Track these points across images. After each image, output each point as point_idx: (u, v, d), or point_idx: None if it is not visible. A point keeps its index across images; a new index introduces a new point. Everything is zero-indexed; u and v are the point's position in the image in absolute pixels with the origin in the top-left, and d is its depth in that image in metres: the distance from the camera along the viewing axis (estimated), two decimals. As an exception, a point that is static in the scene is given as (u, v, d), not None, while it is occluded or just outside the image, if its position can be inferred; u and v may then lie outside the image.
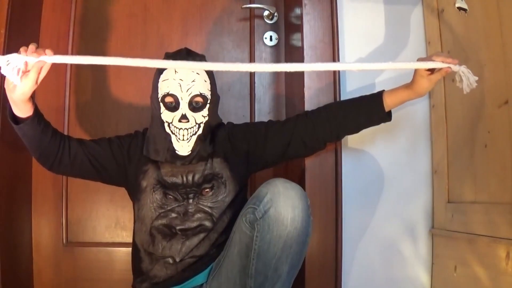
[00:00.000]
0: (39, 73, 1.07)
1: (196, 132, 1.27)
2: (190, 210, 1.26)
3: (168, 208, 1.27)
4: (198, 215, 1.26)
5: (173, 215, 1.27)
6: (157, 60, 1.13)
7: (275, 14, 1.77)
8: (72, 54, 1.68)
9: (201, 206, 1.27)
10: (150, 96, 1.31)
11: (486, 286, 1.22)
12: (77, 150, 1.27)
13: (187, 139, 1.26)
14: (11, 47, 1.47)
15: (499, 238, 1.18)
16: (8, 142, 1.47)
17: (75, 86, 1.70)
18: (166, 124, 1.27)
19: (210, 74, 1.30)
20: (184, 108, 1.25)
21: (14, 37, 1.49)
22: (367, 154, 1.58)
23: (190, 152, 1.26)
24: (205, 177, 1.29)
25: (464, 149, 1.40)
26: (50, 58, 1.06)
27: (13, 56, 1.03)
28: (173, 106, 1.26)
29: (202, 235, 1.26)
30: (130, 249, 1.35)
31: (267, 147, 1.32)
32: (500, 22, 1.21)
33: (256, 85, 1.77)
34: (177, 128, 1.26)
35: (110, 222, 1.68)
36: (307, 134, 1.30)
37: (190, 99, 1.25)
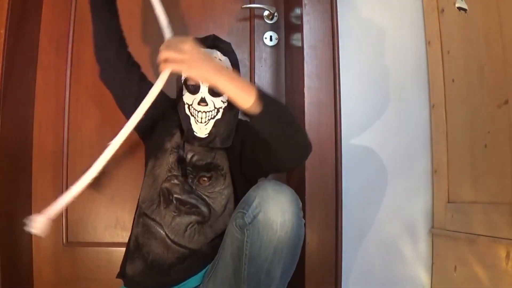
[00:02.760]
0: None
1: (214, 116, 1.29)
2: (186, 188, 1.27)
3: (174, 173, 1.29)
4: (195, 196, 1.27)
5: (176, 181, 1.28)
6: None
7: (275, 14, 1.77)
8: (72, 54, 1.69)
9: (198, 192, 1.28)
10: (176, 78, 1.35)
11: (486, 286, 1.22)
12: (134, 75, 1.32)
13: (205, 122, 1.29)
14: (11, 47, 1.47)
15: (499, 238, 1.18)
16: (8, 141, 1.47)
17: (75, 86, 1.70)
18: (186, 106, 1.30)
19: (234, 62, 1.33)
20: (204, 92, 1.29)
21: (14, 37, 1.49)
22: (367, 154, 1.58)
23: (207, 135, 1.29)
24: (206, 165, 1.30)
25: (464, 149, 1.40)
26: None
27: None
28: (194, 89, 1.29)
29: (194, 218, 1.25)
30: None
31: (260, 154, 1.27)
32: (500, 22, 1.21)
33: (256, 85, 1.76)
34: (196, 110, 1.29)
35: (110, 222, 1.68)
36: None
37: None
